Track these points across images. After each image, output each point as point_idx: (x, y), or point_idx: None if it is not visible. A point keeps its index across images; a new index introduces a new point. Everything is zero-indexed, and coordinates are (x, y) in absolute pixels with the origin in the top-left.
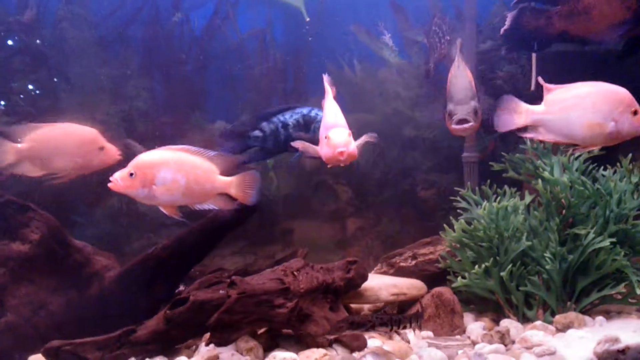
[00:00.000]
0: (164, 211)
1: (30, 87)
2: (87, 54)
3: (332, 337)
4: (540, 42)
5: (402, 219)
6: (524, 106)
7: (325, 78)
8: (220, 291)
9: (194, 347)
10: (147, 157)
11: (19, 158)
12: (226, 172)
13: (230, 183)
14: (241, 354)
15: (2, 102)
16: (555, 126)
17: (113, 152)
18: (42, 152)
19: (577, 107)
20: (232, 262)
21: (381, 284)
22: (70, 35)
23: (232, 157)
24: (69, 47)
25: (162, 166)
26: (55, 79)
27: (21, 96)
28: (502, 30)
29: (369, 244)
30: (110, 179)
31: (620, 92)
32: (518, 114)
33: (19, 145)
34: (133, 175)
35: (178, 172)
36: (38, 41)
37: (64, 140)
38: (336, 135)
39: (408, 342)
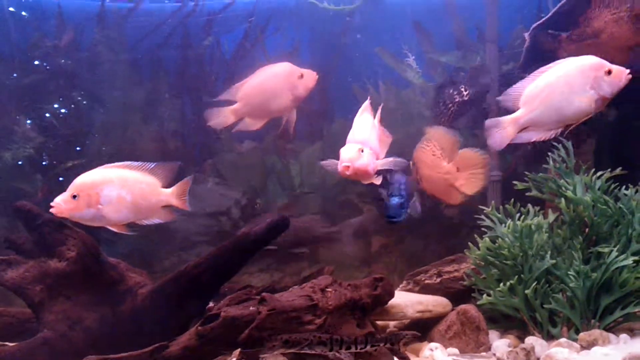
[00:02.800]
0: (113, 229)
1: (65, 108)
2: (121, 76)
3: (264, 356)
4: None
5: (426, 237)
6: (506, 119)
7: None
8: (251, 308)
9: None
10: (88, 177)
11: (238, 117)
12: (166, 184)
13: (172, 194)
14: None
15: (29, 121)
16: (544, 119)
17: (312, 75)
18: (256, 103)
19: (554, 92)
20: (259, 279)
21: (407, 301)
22: (105, 59)
23: (170, 164)
24: (103, 70)
25: (105, 185)
26: (89, 101)
27: (56, 112)
28: (524, 48)
29: (393, 261)
30: (52, 204)
31: (586, 61)
32: (504, 129)
33: (233, 106)
34: (76, 197)
35: (122, 188)
36: (74, 64)
37: (269, 83)
38: (344, 150)
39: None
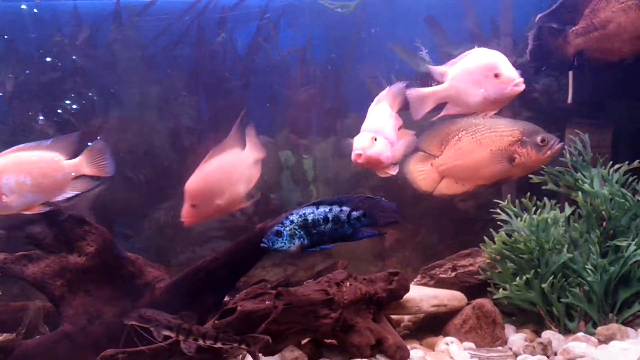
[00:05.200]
0: (29, 212)
1: (82, 106)
2: (137, 73)
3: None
4: (560, 63)
5: (440, 231)
6: (427, 90)
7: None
8: (267, 302)
9: (240, 356)
10: None
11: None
12: (72, 155)
13: (80, 163)
14: None
15: (41, 118)
16: (456, 100)
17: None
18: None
19: (462, 79)
20: (272, 274)
21: (422, 295)
22: (121, 56)
23: (68, 136)
24: (119, 67)
25: (0, 174)
26: (105, 98)
27: (70, 108)
28: (527, 51)
29: (406, 255)
30: None
31: (484, 58)
32: (424, 100)
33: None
34: None
35: (19, 173)
36: (90, 62)
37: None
38: (357, 138)
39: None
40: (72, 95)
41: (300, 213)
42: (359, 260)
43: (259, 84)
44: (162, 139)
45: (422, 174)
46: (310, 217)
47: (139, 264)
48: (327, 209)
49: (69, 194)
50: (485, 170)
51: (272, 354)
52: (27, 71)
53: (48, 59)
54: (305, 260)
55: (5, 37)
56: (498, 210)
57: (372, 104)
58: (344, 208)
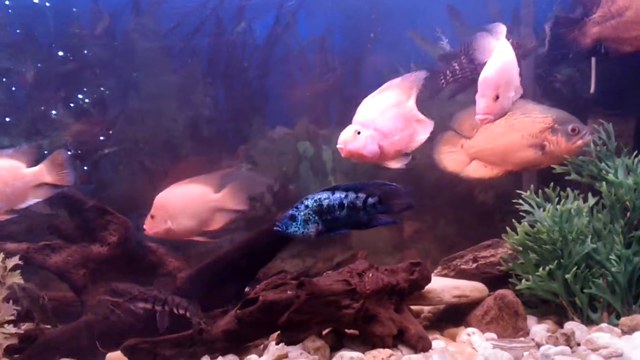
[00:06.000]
0: None
1: (101, 96)
2: (155, 63)
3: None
4: (577, 53)
5: (460, 222)
6: None
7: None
8: (288, 292)
9: (262, 346)
10: None
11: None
12: (34, 163)
13: (40, 171)
14: (309, 353)
15: (54, 111)
16: None
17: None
18: None
19: None
20: (291, 265)
21: (443, 286)
22: (139, 46)
23: (30, 145)
24: (138, 57)
25: None
26: (124, 88)
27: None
28: (545, 41)
29: (426, 247)
30: None
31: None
32: None
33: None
34: None
35: None
36: (109, 52)
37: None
38: (343, 132)
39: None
40: (91, 85)
41: (315, 198)
42: (378, 252)
43: (277, 74)
44: (180, 128)
45: (451, 155)
46: (325, 203)
47: (160, 254)
48: (342, 195)
49: (31, 201)
50: (515, 155)
51: (294, 343)
52: (47, 62)
53: (67, 50)
54: (324, 252)
55: (25, 28)
56: (519, 201)
57: (375, 92)
58: (360, 194)
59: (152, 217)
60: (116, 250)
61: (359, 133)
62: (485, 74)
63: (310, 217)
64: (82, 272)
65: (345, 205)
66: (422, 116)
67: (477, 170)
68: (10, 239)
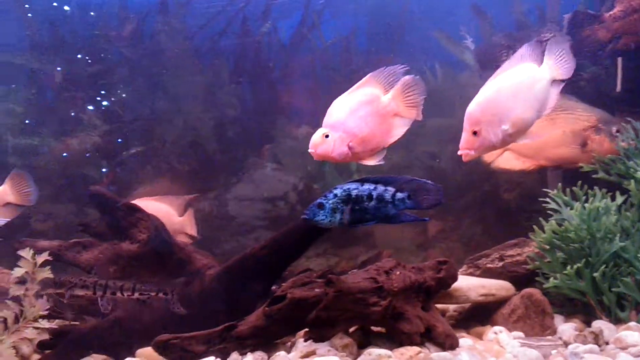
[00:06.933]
0: None
1: (129, 96)
2: (182, 64)
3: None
4: (597, 49)
5: (484, 222)
6: None
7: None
8: (316, 289)
9: (290, 343)
10: None
11: None
12: None
13: (4, 191)
14: (337, 349)
15: (82, 112)
16: None
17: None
18: None
19: None
20: (315, 264)
21: (470, 285)
22: (166, 47)
23: None
24: (165, 58)
25: None
26: (151, 89)
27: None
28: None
29: (449, 246)
30: None
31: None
32: None
33: None
34: None
35: None
36: (136, 53)
37: None
38: (313, 135)
39: None
40: (119, 86)
41: (344, 188)
42: (402, 251)
43: (302, 74)
44: (207, 129)
45: None
46: (354, 193)
47: (188, 251)
48: (371, 187)
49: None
50: (552, 150)
51: (322, 340)
52: (75, 63)
53: (95, 51)
54: (348, 251)
55: (53, 29)
56: (546, 200)
57: (350, 90)
58: (389, 188)
59: None
60: (146, 248)
61: (327, 136)
62: (469, 106)
63: (338, 207)
64: (112, 269)
65: (374, 197)
66: (403, 108)
67: (508, 162)
68: (42, 237)
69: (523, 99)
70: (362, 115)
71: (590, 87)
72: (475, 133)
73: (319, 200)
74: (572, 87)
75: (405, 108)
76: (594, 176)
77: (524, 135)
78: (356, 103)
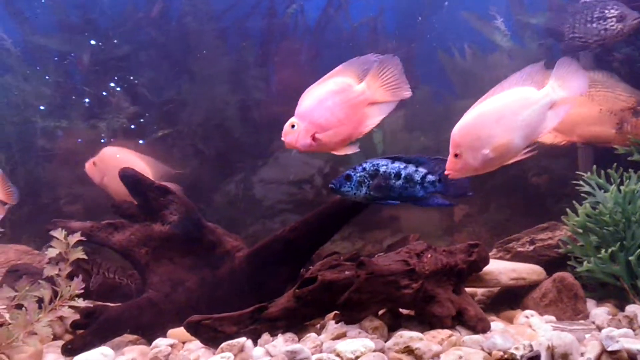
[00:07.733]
0: None
1: (155, 79)
2: (209, 46)
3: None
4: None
5: (511, 206)
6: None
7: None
8: (346, 272)
9: (319, 325)
10: None
11: None
12: None
13: None
14: (367, 332)
15: (110, 94)
16: None
17: None
18: None
19: None
20: (341, 247)
21: (501, 269)
22: (193, 29)
23: None
24: (192, 40)
25: None
26: (178, 71)
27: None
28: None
29: (476, 230)
30: None
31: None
32: None
33: None
34: None
35: None
36: (163, 35)
37: None
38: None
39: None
40: (146, 68)
41: (374, 163)
42: (428, 235)
43: (328, 56)
44: (233, 112)
45: None
46: (382, 169)
47: (218, 233)
48: (402, 166)
49: None
50: (587, 128)
51: (352, 322)
52: (103, 45)
53: (123, 33)
54: (373, 235)
55: (81, 11)
56: (579, 183)
57: (321, 79)
58: (420, 169)
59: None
60: (177, 229)
61: (293, 126)
62: (453, 129)
63: (365, 180)
64: (144, 250)
65: (403, 175)
66: (381, 93)
67: None
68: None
69: (506, 124)
70: (330, 105)
71: (624, 69)
72: (457, 155)
73: (347, 172)
74: (604, 69)
75: (385, 92)
76: (629, 159)
77: (511, 158)
78: (325, 93)
